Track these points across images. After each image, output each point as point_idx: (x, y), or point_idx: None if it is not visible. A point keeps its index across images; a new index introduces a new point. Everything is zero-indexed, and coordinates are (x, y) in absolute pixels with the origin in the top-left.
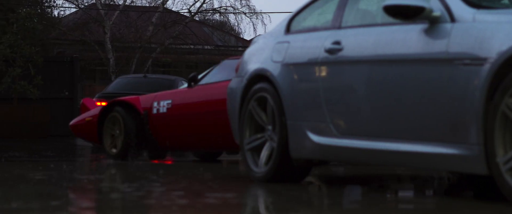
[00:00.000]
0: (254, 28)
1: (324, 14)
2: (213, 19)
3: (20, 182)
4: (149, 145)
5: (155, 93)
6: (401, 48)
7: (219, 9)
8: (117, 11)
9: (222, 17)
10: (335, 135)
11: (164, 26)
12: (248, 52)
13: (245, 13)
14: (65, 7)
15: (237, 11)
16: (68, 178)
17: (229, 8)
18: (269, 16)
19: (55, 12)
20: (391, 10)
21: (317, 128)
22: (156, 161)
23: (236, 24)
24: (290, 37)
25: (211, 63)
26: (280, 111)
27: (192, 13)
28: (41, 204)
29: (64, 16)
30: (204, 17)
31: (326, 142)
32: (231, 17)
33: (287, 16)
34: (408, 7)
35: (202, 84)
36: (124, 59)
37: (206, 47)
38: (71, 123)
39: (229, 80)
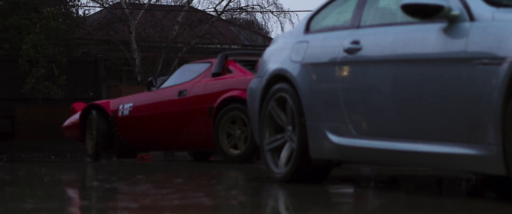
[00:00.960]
0: (281, 27)
1: (343, 13)
2: (240, 18)
3: (41, 182)
4: (116, 146)
5: (123, 97)
6: (419, 47)
7: (246, 7)
8: (142, 10)
9: (249, 16)
10: (354, 135)
11: (190, 26)
12: (268, 52)
13: (272, 12)
14: (89, 6)
15: (264, 9)
16: (88, 178)
17: (256, 6)
18: (297, 15)
19: (80, 12)
20: (409, 9)
21: (336, 128)
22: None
23: (263, 23)
24: (309, 37)
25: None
26: (300, 111)
27: (219, 12)
28: (58, 204)
29: (89, 16)
30: (232, 16)
31: (345, 142)
32: (258, 16)
33: (306, 16)
34: (426, 6)
35: (160, 88)
36: (150, 59)
37: (233, 46)
38: (63, 124)
39: (181, 84)
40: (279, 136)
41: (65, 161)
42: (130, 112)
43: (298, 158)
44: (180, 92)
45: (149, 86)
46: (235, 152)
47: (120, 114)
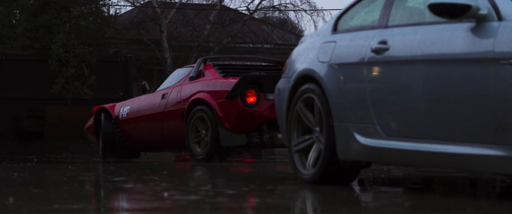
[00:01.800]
0: (315, 25)
1: (371, 13)
2: (273, 17)
3: (68, 183)
4: (118, 146)
5: (126, 100)
6: (447, 47)
7: (278, 6)
8: (174, 9)
9: (281, 14)
10: (381, 136)
11: (222, 25)
12: (296, 52)
13: (305, 10)
14: (120, 6)
15: (297, 8)
16: (115, 179)
17: (289, 5)
18: (330, 13)
19: (111, 11)
20: (436, 9)
21: (364, 129)
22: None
23: (296, 21)
24: (337, 37)
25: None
26: (327, 112)
27: (251, 11)
28: (84, 205)
29: (120, 15)
30: (265, 15)
31: (372, 143)
32: (291, 15)
33: (334, 15)
34: (454, 5)
35: (152, 92)
36: (181, 58)
37: (265, 46)
38: (85, 126)
39: (166, 88)
40: (307, 137)
41: (88, 161)
42: (127, 114)
43: (325, 159)
44: (163, 96)
45: (143, 90)
46: (199, 151)
47: (120, 116)
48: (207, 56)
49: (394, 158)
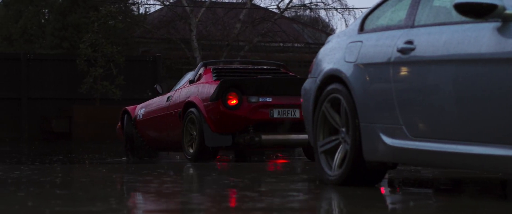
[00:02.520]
0: (346, 24)
1: (398, 12)
2: (305, 15)
3: (90, 184)
4: (136, 146)
5: (144, 102)
6: (473, 47)
7: (309, 5)
8: (204, 8)
9: (312, 13)
10: (407, 137)
11: (252, 23)
12: (322, 52)
13: (336, 9)
14: (150, 4)
15: (328, 7)
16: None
17: (320, 3)
18: (361, 12)
19: (142, 10)
20: (462, 8)
21: (390, 130)
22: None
23: (327, 20)
24: (363, 37)
25: (301, 62)
26: (353, 113)
27: (281, 10)
28: (107, 207)
29: (149, 14)
30: (297, 13)
31: (399, 144)
32: (322, 13)
33: (361, 15)
34: (479, 5)
35: (162, 94)
36: (211, 58)
37: (296, 45)
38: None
39: (173, 90)
40: (333, 138)
41: (115, 162)
42: (142, 115)
43: (351, 160)
44: (168, 98)
45: (155, 92)
46: (191, 151)
47: (138, 117)
48: (209, 61)
49: (420, 159)
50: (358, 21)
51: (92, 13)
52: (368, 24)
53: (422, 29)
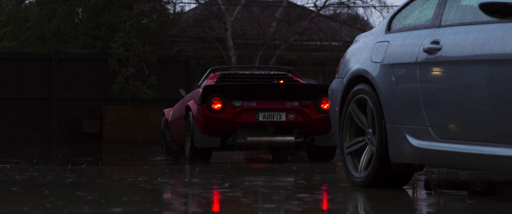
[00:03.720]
0: None
1: (425, 11)
2: (344, 13)
3: (112, 185)
4: (168, 143)
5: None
6: (499, 47)
7: (347, 2)
8: (239, 6)
9: (350, 11)
10: (434, 138)
11: (288, 22)
12: (349, 52)
13: (375, 7)
14: (184, 3)
15: (366, 4)
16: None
17: (358, 1)
18: None
19: (176, 8)
20: (487, 8)
21: (416, 131)
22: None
23: (366, 18)
24: (390, 36)
25: (339, 61)
26: (379, 114)
27: (318, 8)
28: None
29: (184, 13)
30: (335, 11)
31: (425, 146)
32: (360, 11)
33: (388, 14)
34: (505, 4)
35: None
36: (247, 57)
37: (333, 43)
38: None
39: (189, 94)
40: (360, 139)
41: (143, 164)
42: (170, 116)
43: (377, 162)
44: (183, 102)
45: (180, 96)
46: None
47: (168, 119)
48: (218, 67)
49: (447, 161)
50: (386, 20)
51: (124, 12)
52: (395, 24)
53: (449, 29)
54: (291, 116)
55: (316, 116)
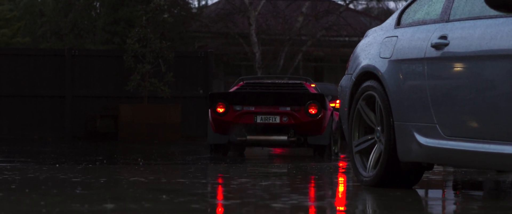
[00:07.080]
0: None
1: (434, 5)
2: (376, 7)
3: (116, 185)
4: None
5: None
6: (506, 42)
7: None
8: (263, 0)
9: (381, 5)
10: (442, 136)
11: (315, 17)
12: (359, 47)
13: (406, 0)
14: None
15: None
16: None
17: None
18: None
19: (198, 2)
20: (493, 3)
21: (424, 129)
22: None
23: None
24: (398, 31)
25: None
26: (388, 111)
27: (347, 2)
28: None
29: (206, 7)
30: (368, 5)
31: (433, 144)
32: (391, 6)
33: (399, 9)
34: None
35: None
36: (271, 53)
37: (362, 39)
38: None
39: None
40: (369, 137)
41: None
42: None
43: (386, 161)
44: None
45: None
46: None
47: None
48: (247, 76)
49: (455, 159)
50: (395, 15)
51: (141, 7)
52: (405, 19)
53: (457, 24)
54: (284, 119)
55: (306, 119)
